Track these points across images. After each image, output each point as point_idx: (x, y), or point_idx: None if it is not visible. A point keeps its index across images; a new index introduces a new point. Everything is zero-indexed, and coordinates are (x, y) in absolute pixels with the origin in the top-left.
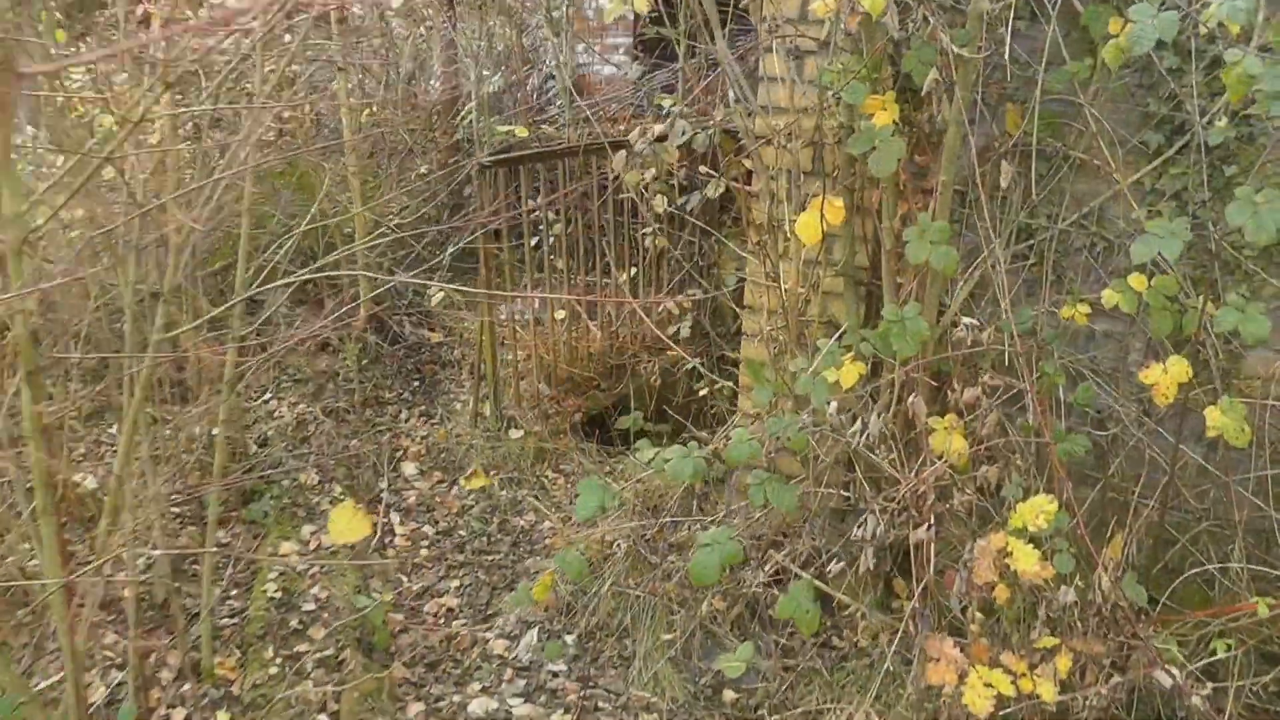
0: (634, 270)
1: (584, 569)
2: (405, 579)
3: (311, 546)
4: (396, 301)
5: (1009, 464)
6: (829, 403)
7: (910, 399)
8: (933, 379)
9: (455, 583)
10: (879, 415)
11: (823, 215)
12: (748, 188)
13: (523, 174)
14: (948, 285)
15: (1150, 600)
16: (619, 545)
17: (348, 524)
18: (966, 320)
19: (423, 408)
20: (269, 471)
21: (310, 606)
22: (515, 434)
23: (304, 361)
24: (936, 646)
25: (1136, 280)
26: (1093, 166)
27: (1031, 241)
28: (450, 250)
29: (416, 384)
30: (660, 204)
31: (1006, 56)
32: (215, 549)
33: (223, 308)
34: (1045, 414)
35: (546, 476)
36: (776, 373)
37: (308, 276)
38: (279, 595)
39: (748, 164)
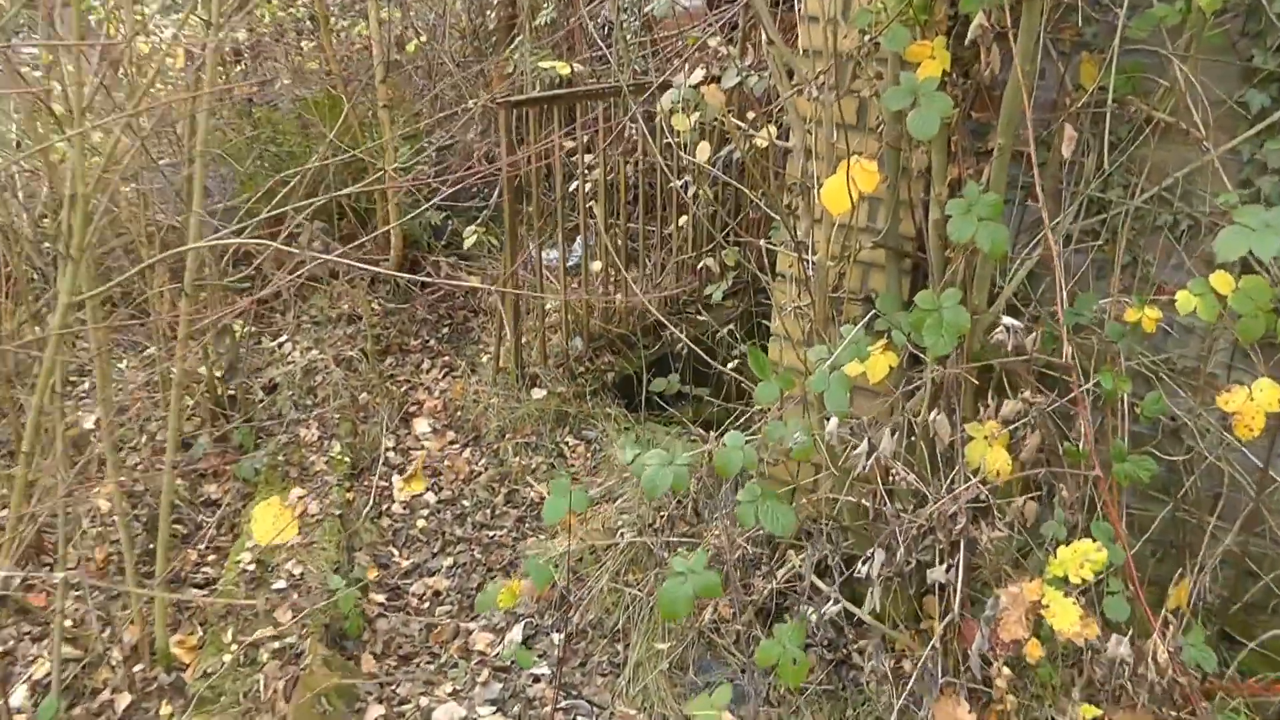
0: (682, 220)
1: (549, 577)
2: (395, 553)
3: (297, 512)
4: (433, 242)
5: (1052, 494)
6: (828, 418)
7: (933, 416)
8: (979, 375)
9: (449, 561)
10: (893, 432)
11: (850, 179)
12: (783, 143)
13: (557, 115)
14: (1002, 265)
15: (1223, 636)
16: (623, 533)
17: (271, 524)
18: (1007, 321)
19: (447, 358)
20: (266, 423)
21: (281, 584)
22: (538, 394)
23: (326, 303)
24: (948, 713)
25: (1220, 280)
26: (1180, 130)
27: (1103, 216)
28: (495, 192)
29: (445, 331)
30: (704, 152)
31: None
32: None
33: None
34: (1101, 433)
35: (567, 443)
36: (798, 355)
37: (320, 201)
38: (254, 567)
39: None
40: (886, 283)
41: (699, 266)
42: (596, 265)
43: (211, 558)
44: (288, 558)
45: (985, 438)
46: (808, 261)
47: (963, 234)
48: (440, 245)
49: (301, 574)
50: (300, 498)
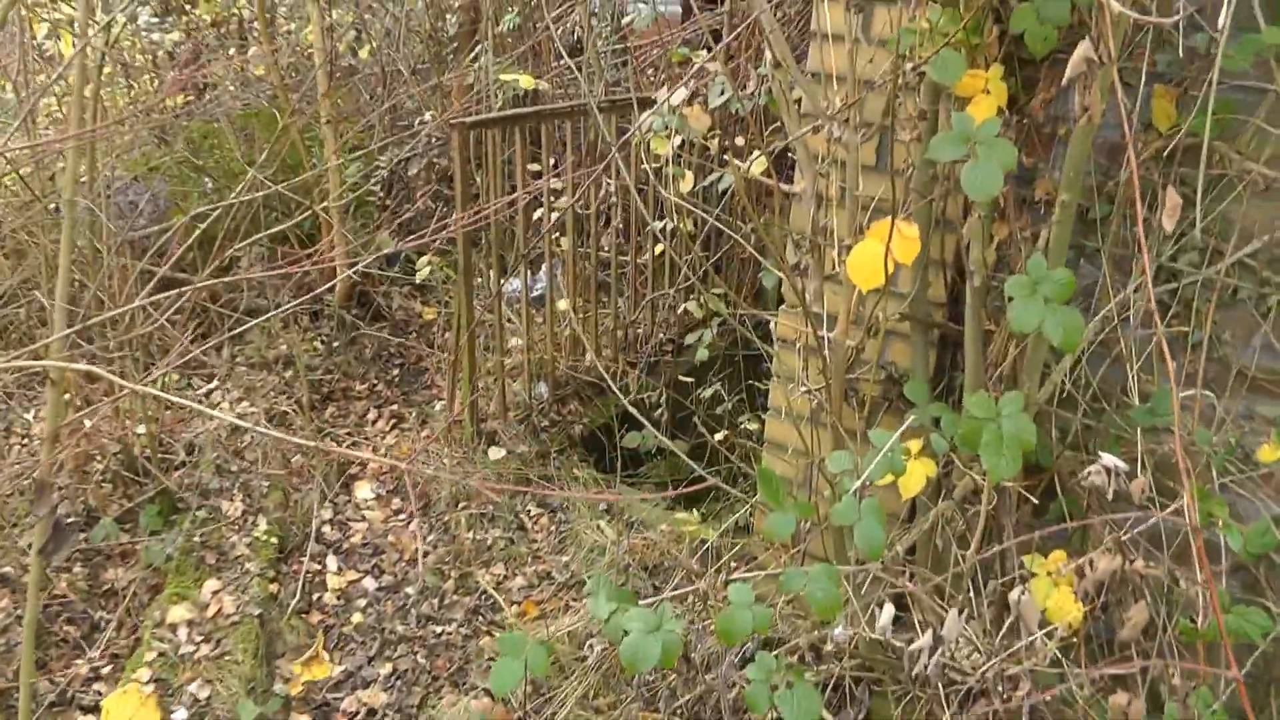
0: (659, 249)
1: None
2: (326, 656)
3: (209, 613)
4: (384, 268)
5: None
6: (880, 604)
7: (1019, 596)
8: (1026, 472)
9: (387, 668)
10: (960, 611)
11: (889, 248)
12: (785, 186)
13: (518, 136)
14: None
15: None
16: (592, 644)
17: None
18: (1108, 459)
19: (396, 405)
20: (183, 494)
21: (182, 715)
22: (496, 453)
23: (264, 342)
24: None
25: None
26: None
27: (1173, 286)
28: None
29: (396, 372)
30: (685, 182)
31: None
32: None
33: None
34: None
35: (528, 512)
36: (801, 435)
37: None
38: (153, 684)
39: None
40: (912, 358)
41: (680, 310)
42: (564, 304)
43: (107, 669)
44: (193, 677)
45: (1049, 574)
46: (821, 337)
47: (1027, 322)
48: (393, 271)
49: (209, 697)
50: (215, 593)
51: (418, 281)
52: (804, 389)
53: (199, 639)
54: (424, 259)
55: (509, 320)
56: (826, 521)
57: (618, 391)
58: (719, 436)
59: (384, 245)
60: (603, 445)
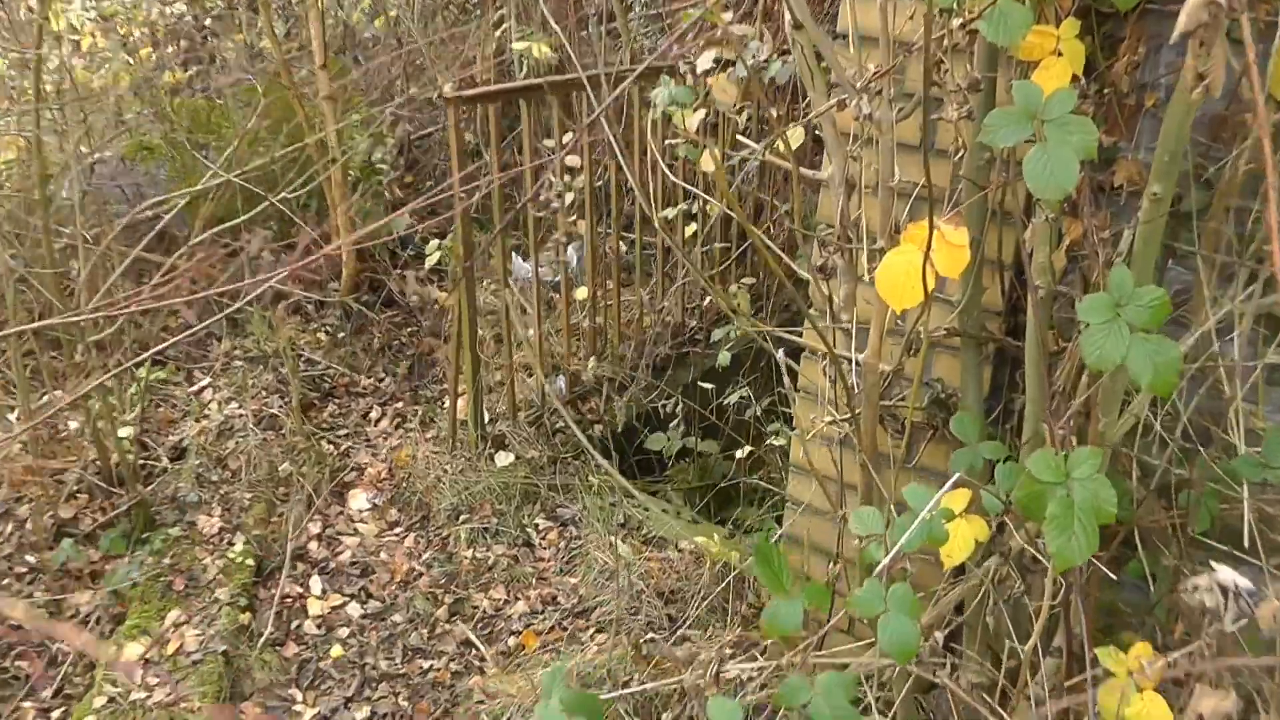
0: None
1: None
2: (298, 697)
3: (170, 649)
4: (398, 252)
5: None
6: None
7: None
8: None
9: (364, 711)
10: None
11: (927, 259)
12: (810, 172)
13: (524, 110)
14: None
15: None
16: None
17: None
18: (1224, 574)
19: (402, 403)
20: (159, 509)
21: None
22: (503, 459)
23: (263, 333)
24: None
25: None
26: None
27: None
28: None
29: (405, 365)
30: (705, 162)
31: None
32: None
33: None
34: None
35: (536, 526)
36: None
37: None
38: None
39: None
40: (962, 377)
41: (706, 303)
42: (582, 292)
43: (58, 712)
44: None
45: (1123, 668)
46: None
47: (1108, 357)
48: (408, 256)
49: None
50: (177, 626)
51: (428, 267)
52: (829, 419)
53: (155, 681)
54: (432, 244)
55: (521, 308)
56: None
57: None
58: (742, 454)
59: (395, 227)
60: (624, 448)
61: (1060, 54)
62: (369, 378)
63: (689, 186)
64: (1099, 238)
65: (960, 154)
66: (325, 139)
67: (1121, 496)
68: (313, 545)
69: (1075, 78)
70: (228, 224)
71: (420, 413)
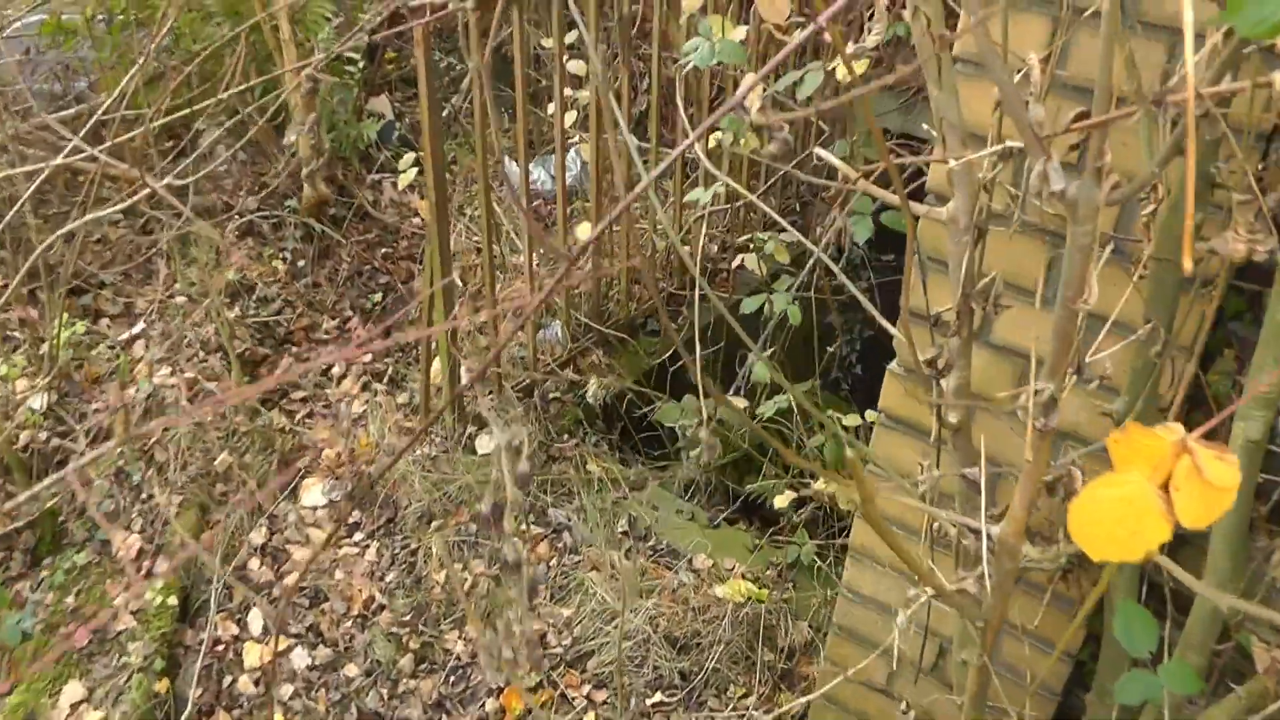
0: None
1: None
2: None
3: None
4: (371, 153)
5: None
6: None
7: None
8: None
9: None
10: None
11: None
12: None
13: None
14: None
15: None
16: None
17: None
18: None
19: (371, 355)
20: (64, 524)
21: None
22: (485, 444)
23: (209, 260)
24: None
25: None
26: None
27: None
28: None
29: (379, 298)
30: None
31: None
32: None
33: None
34: None
35: (522, 533)
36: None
37: None
38: None
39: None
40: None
41: (734, 265)
42: (582, 229)
43: None
44: None
45: None
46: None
47: None
48: (386, 157)
49: None
50: (74, 708)
51: (400, 186)
52: (926, 592)
53: None
54: (408, 156)
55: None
56: None
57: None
58: (783, 499)
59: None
60: (625, 419)
61: None
62: (333, 318)
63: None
64: None
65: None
66: (277, 22)
67: None
68: (254, 563)
69: None
70: (174, 115)
71: (390, 369)
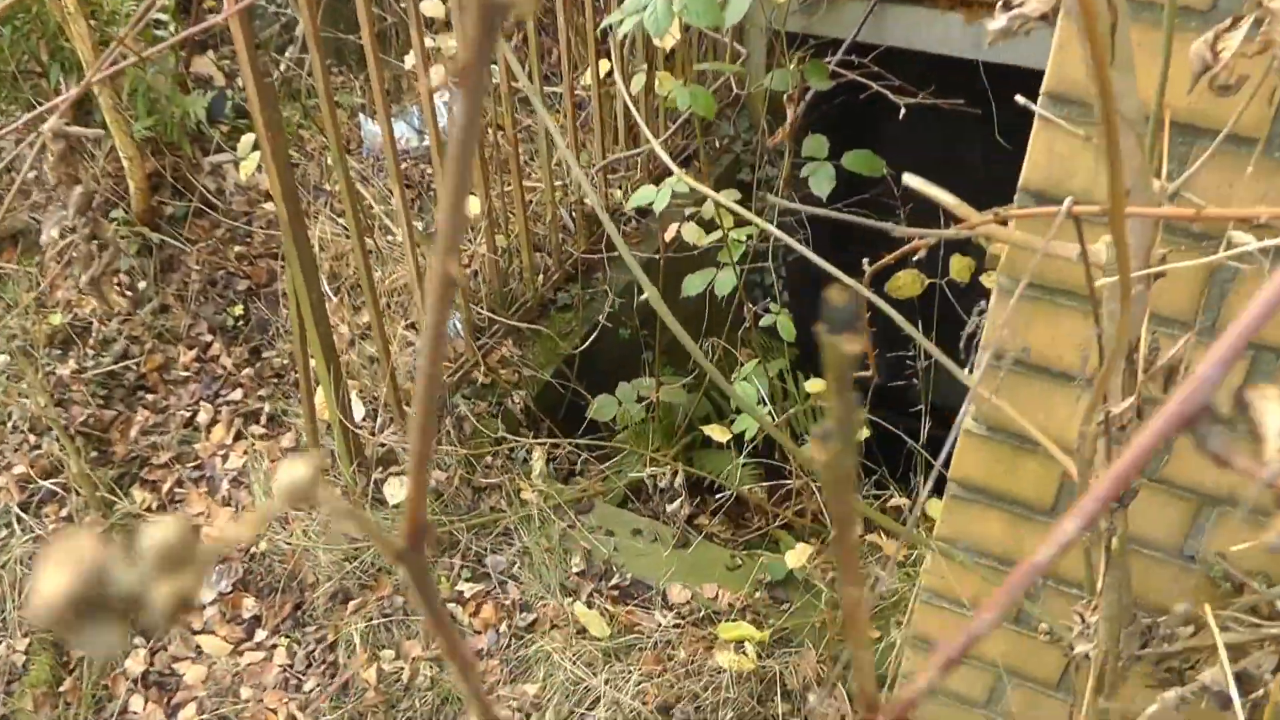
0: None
1: None
2: None
3: None
4: (204, 130)
5: None
6: None
7: None
8: None
9: None
10: None
11: None
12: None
13: None
14: None
15: None
16: None
17: None
18: None
19: (244, 388)
20: None
21: None
22: (396, 491)
23: (28, 298)
24: None
25: None
26: None
27: None
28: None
29: (239, 311)
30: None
31: None
32: None
33: None
34: None
35: (459, 595)
36: None
37: None
38: None
39: None
40: None
41: (669, 236)
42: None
43: None
44: None
45: None
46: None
47: None
48: (224, 133)
49: None
50: None
51: (243, 177)
52: None
53: None
54: (247, 138)
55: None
56: None
57: None
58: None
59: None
60: (557, 412)
61: None
62: (190, 347)
63: None
64: None
65: None
66: None
67: None
68: (136, 702)
69: None
70: None
71: (268, 406)
